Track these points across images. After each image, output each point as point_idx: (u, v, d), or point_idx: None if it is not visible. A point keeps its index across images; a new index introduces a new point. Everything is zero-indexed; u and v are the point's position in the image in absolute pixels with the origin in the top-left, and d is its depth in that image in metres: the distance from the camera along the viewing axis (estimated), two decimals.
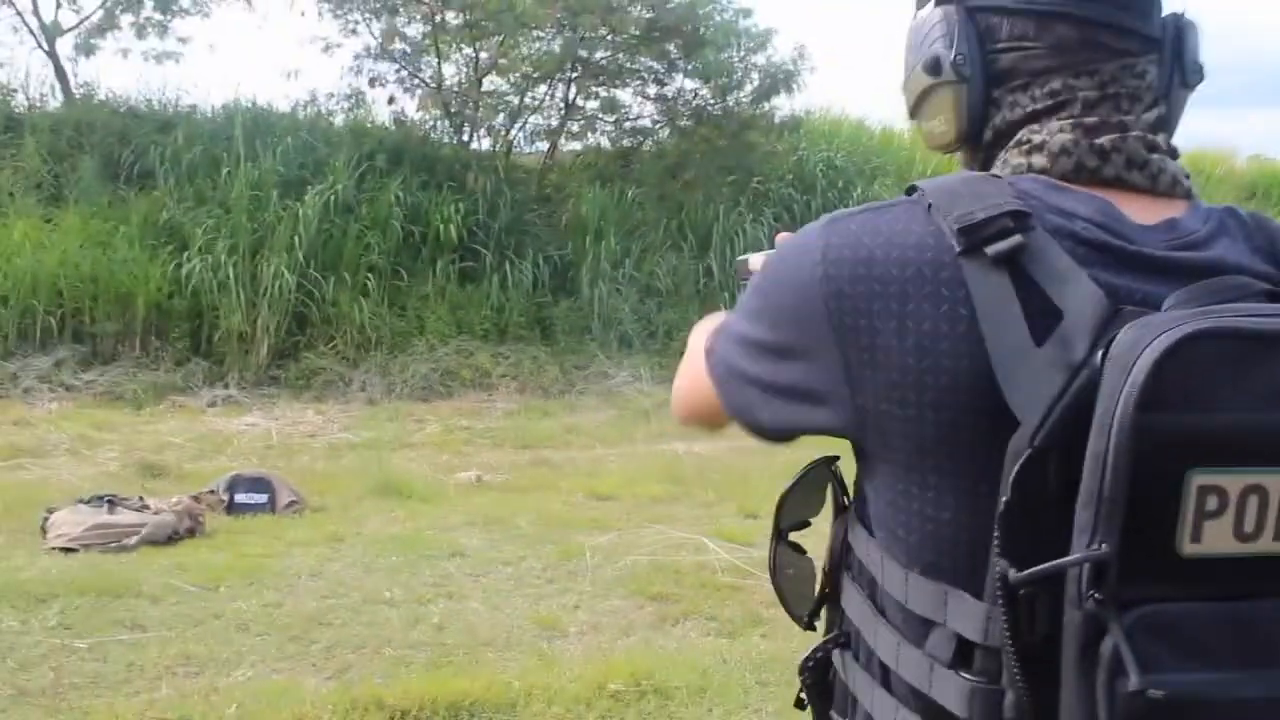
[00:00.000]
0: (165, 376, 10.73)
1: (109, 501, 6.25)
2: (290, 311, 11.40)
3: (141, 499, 6.44)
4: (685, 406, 1.40)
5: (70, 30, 13.92)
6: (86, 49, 14.06)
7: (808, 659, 1.27)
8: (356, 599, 5.21)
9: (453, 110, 14.00)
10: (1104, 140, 1.10)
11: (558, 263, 12.99)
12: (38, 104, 13.36)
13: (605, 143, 15.11)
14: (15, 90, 13.27)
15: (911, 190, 1.10)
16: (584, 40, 13.58)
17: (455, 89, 14.11)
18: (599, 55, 14.14)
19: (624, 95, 14.82)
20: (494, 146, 14.49)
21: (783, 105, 14.58)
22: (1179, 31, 1.17)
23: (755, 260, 1.52)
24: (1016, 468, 0.94)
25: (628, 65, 14.41)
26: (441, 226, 12.38)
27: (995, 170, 1.15)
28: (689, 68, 14.25)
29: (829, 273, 1.08)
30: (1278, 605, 0.93)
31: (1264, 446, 0.91)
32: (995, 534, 0.95)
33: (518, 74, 14.45)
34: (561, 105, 14.63)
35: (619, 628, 4.96)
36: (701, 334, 1.32)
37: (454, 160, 13.68)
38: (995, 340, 0.98)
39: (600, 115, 14.93)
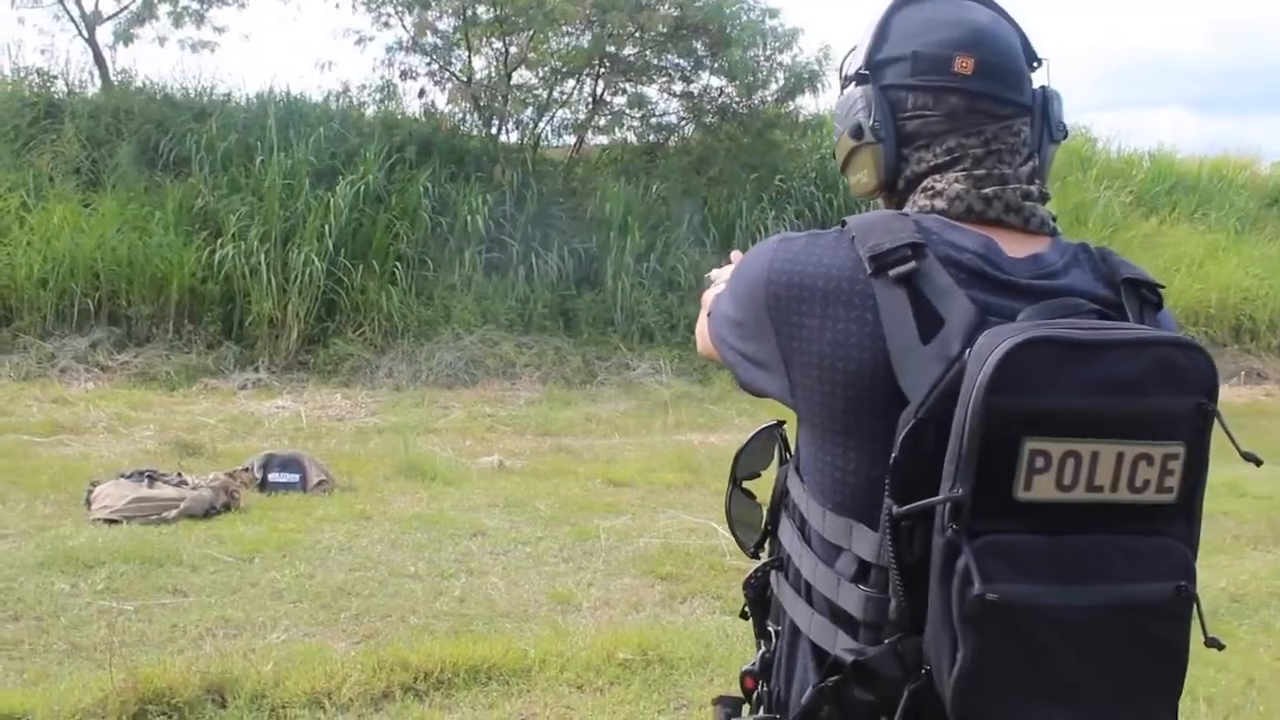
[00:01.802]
0: (198, 359, 11.03)
1: (149, 476, 6.55)
2: (320, 298, 11.67)
3: (180, 474, 6.74)
4: (702, 349, 1.73)
5: (110, 19, 14.22)
6: (125, 37, 14.33)
7: (750, 578, 1.67)
8: (383, 572, 5.52)
9: (482, 103, 14.26)
10: (989, 190, 1.44)
11: (582, 255, 13.21)
12: (77, 90, 13.59)
13: (631, 138, 15.36)
14: (56, 77, 13.51)
15: (844, 223, 1.42)
16: (612, 37, 13.82)
17: (485, 82, 14.37)
18: (627, 52, 14.37)
19: (650, 92, 15.07)
20: (522, 140, 14.76)
21: (807, 104, 14.86)
22: (1046, 99, 1.54)
23: (716, 273, 1.87)
24: (904, 433, 1.27)
25: (655, 62, 14.63)
26: (469, 218, 12.62)
27: (908, 210, 1.48)
28: (715, 66, 14.45)
29: (771, 279, 1.43)
30: (1086, 538, 1.25)
31: (1078, 423, 1.22)
32: (887, 481, 1.28)
33: (546, 68, 14.72)
34: (589, 100, 14.89)
35: (629, 604, 5.25)
36: (711, 293, 1.70)
37: (482, 153, 13.95)
38: (893, 339, 1.31)
39: (627, 111, 15.15)
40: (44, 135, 12.41)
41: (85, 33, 13.90)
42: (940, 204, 1.44)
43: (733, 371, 1.57)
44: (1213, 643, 1.35)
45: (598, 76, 14.56)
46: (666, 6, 13.77)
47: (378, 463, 7.92)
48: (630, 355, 12.29)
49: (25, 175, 11.72)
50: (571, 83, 14.79)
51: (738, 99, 14.61)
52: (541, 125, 14.84)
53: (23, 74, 13.31)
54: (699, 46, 14.22)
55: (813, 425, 1.43)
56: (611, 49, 14.10)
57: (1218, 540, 6.93)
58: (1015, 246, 1.42)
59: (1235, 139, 41.43)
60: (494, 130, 14.43)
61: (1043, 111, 1.53)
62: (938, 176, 1.47)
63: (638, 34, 13.93)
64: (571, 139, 15.11)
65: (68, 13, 13.95)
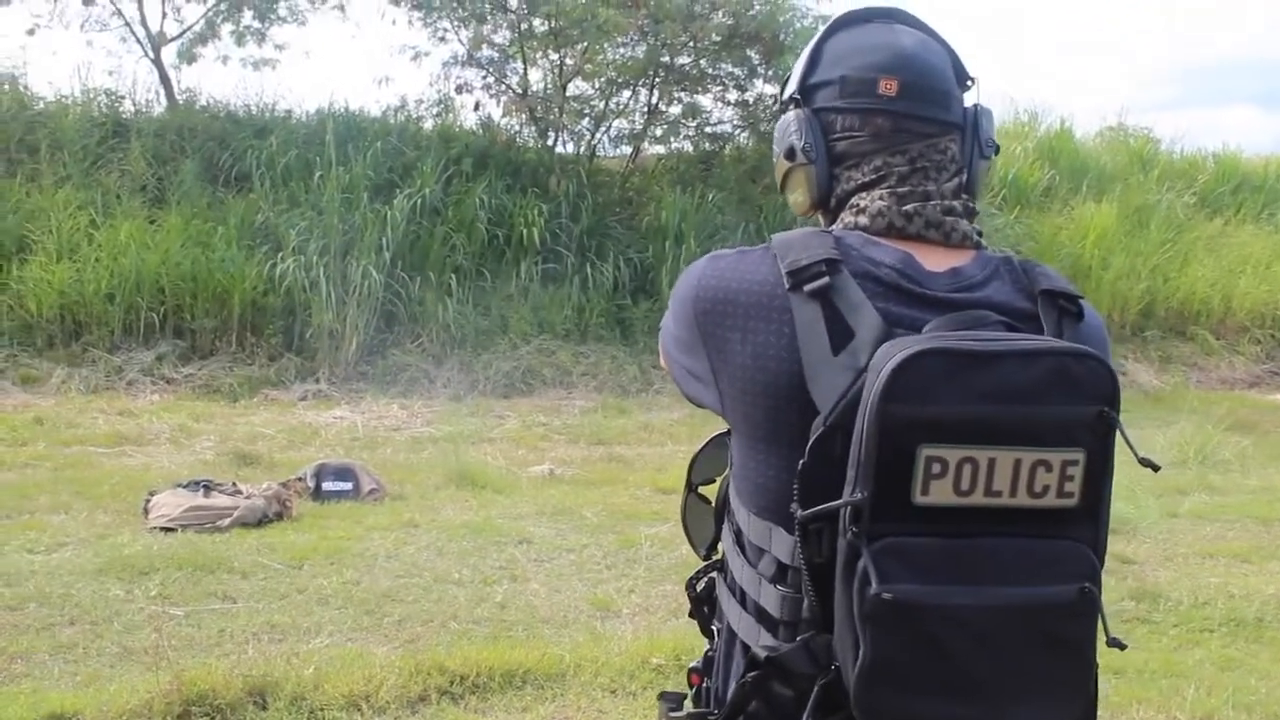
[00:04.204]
0: (260, 371, 11.24)
1: (205, 486, 6.72)
2: (378, 310, 11.83)
3: (235, 484, 6.91)
4: (662, 360, 1.77)
5: (174, 39, 14.55)
6: (189, 57, 14.65)
7: (693, 579, 1.74)
8: (428, 579, 5.63)
9: (538, 115, 14.36)
10: (910, 207, 1.50)
11: (638, 265, 13.28)
12: (144, 110, 13.90)
13: (687, 147, 15.39)
14: (123, 97, 13.83)
15: (770, 240, 1.49)
16: (666, 47, 13.89)
17: (540, 94, 14.49)
18: (681, 61, 14.42)
19: (705, 100, 15.08)
20: (577, 150, 14.84)
21: None
22: (976, 117, 1.59)
23: None
24: (813, 439, 1.34)
25: (709, 71, 14.67)
26: (525, 229, 12.72)
27: (835, 227, 1.54)
28: (769, 74, 14.43)
29: (699, 294, 1.51)
30: (984, 541, 1.30)
31: (973, 430, 1.28)
32: (795, 485, 1.34)
33: (602, 79, 14.80)
34: (644, 110, 14.94)
35: (669, 610, 5.30)
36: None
37: (538, 164, 14.06)
38: (806, 351, 1.38)
39: (682, 120, 15.18)
40: (111, 154, 12.70)
41: (151, 53, 14.25)
42: (863, 220, 1.51)
43: (676, 383, 1.64)
44: (1114, 643, 1.39)
45: (653, 86, 14.62)
46: (720, 16, 13.82)
47: (429, 471, 8.05)
48: None
49: (94, 193, 11.99)
50: (627, 93, 14.87)
51: None
52: (597, 136, 14.94)
53: (91, 95, 13.62)
54: (753, 55, 14.24)
55: (739, 434, 1.51)
56: (666, 59, 14.17)
57: (1271, 547, 6.86)
58: (935, 261, 1.48)
59: None
60: (550, 142, 14.54)
61: (973, 129, 1.58)
62: (864, 194, 1.53)
63: (691, 44, 14.00)
64: (627, 149, 15.17)
65: (134, 35, 14.36)
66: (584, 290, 12.80)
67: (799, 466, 1.34)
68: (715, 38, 13.89)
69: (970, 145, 1.58)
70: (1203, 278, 14.53)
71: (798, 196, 1.62)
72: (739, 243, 13.24)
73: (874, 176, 1.53)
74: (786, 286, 1.42)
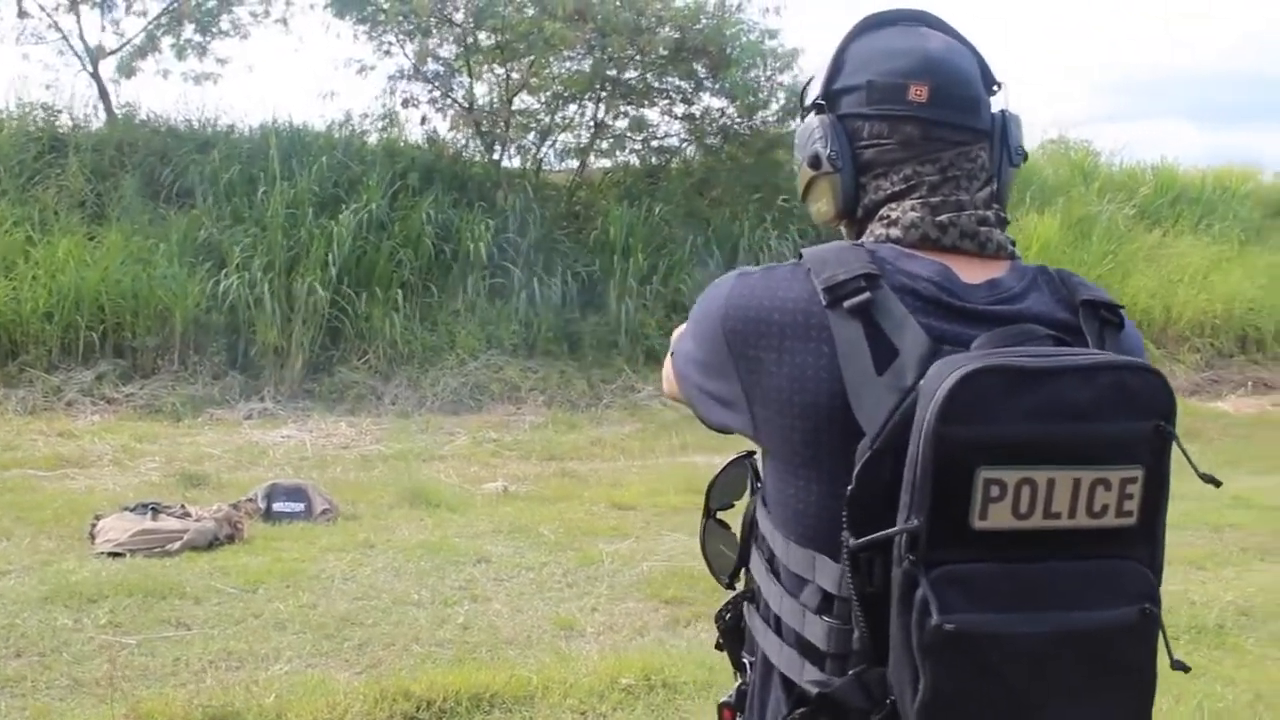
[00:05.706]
0: (203, 390, 11.01)
1: (153, 509, 6.55)
2: (324, 327, 11.69)
3: (183, 506, 6.75)
4: (668, 389, 1.72)
5: (113, 53, 14.25)
6: (128, 70, 14.38)
7: (722, 610, 1.66)
8: (386, 600, 5.52)
9: (484, 129, 14.29)
10: (944, 217, 1.44)
11: (586, 279, 13.22)
12: (82, 124, 13.62)
13: (634, 161, 15.40)
14: (60, 111, 13.55)
15: (800, 256, 1.42)
16: (613, 60, 13.87)
17: (486, 108, 14.41)
18: (628, 75, 14.42)
19: (652, 114, 15.13)
20: (524, 165, 14.79)
21: None
22: (1004, 124, 1.53)
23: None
24: (860, 464, 1.27)
25: (656, 85, 14.69)
26: (472, 244, 12.62)
27: (865, 239, 1.48)
28: (716, 87, 14.48)
29: (728, 313, 1.43)
30: (1043, 565, 1.25)
31: (1031, 451, 1.22)
32: (843, 513, 1.27)
33: (548, 93, 14.77)
34: (591, 124, 14.93)
35: (633, 628, 5.24)
36: (676, 334, 1.67)
37: (485, 178, 13.99)
38: (849, 370, 1.31)
39: (629, 134, 15.20)
40: (49, 169, 12.43)
41: (89, 67, 13.97)
42: (896, 232, 1.45)
43: (693, 408, 1.57)
44: (1178, 665, 1.35)
45: (599, 100, 14.61)
46: (666, 29, 13.83)
47: (382, 490, 7.92)
48: (635, 378, 12.28)
49: (30, 209, 11.73)
50: (573, 107, 14.85)
51: (739, 120, 14.65)
52: (543, 150, 14.90)
53: (28, 109, 13.33)
54: (699, 68, 14.28)
55: (775, 458, 1.44)
56: (612, 72, 14.16)
57: (1224, 553, 6.91)
58: (972, 272, 1.42)
59: (1239, 150, 41.63)
60: (496, 156, 14.46)
61: (1001, 136, 1.53)
62: (894, 204, 1.47)
63: (638, 57, 14.00)
64: (574, 163, 15.14)
65: (71, 48, 14.07)
66: (531, 305, 12.71)
67: (847, 493, 1.28)
68: (662, 51, 13.89)
69: (999, 152, 1.52)
70: (1144, 288, 14.71)
71: (821, 206, 1.55)
72: (686, 256, 13.40)
73: (904, 186, 1.47)
74: (824, 303, 1.35)
